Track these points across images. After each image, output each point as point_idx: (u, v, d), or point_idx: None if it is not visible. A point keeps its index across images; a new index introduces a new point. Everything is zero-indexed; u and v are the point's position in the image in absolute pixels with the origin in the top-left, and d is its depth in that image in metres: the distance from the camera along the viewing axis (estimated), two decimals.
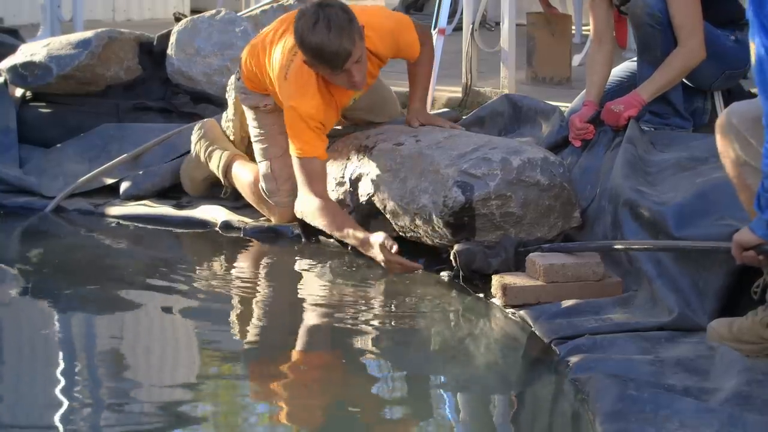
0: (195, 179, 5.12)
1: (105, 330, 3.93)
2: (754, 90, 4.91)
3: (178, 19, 7.15)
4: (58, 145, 5.58)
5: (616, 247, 3.90)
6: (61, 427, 3.05)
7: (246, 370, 3.57)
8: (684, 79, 4.62)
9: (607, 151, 4.48)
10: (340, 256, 4.47)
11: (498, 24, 6.48)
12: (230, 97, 4.99)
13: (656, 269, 3.71)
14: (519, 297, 3.84)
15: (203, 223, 4.96)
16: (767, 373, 3.12)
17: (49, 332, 3.86)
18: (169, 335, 3.92)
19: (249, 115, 4.78)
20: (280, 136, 4.51)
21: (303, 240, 4.63)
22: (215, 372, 3.55)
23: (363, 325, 3.83)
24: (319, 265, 4.44)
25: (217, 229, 4.89)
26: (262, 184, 4.72)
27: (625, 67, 4.89)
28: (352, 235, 4.24)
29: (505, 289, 3.85)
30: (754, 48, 3.09)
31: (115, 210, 5.14)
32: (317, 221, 4.39)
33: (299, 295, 4.21)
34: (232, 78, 4.94)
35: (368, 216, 4.43)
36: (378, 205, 4.37)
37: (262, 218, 4.84)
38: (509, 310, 3.84)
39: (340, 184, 4.54)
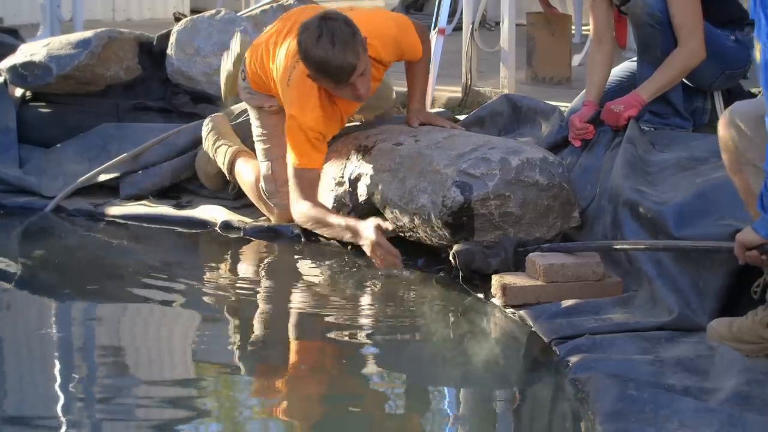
0: (208, 173, 5.13)
1: (105, 329, 3.93)
2: (754, 90, 4.92)
3: (178, 19, 7.15)
4: (58, 145, 5.58)
5: (615, 246, 3.90)
6: (61, 427, 3.05)
7: (245, 369, 3.56)
8: (684, 79, 4.62)
9: (606, 151, 4.48)
10: (340, 256, 4.47)
11: (498, 24, 6.48)
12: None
13: (656, 269, 3.71)
14: (519, 297, 3.84)
15: (203, 223, 4.96)
16: (767, 373, 3.12)
17: (49, 332, 3.86)
18: (168, 335, 3.92)
19: (252, 114, 4.78)
20: (282, 137, 4.51)
21: (303, 240, 4.63)
22: (215, 371, 3.55)
23: (363, 325, 3.83)
24: (319, 265, 4.44)
25: (217, 228, 4.89)
26: (262, 184, 4.72)
27: (625, 67, 4.89)
28: (344, 224, 4.22)
29: (504, 289, 3.85)
30: (759, 47, 3.09)
31: (114, 210, 5.14)
32: (307, 224, 4.40)
33: (299, 295, 4.21)
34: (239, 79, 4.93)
35: (367, 216, 4.42)
36: (377, 204, 4.37)
37: (262, 218, 4.84)
38: (509, 310, 3.84)
39: (340, 183, 4.54)
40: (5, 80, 5.73)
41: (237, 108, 5.25)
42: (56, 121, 5.68)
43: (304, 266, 4.46)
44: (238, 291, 4.25)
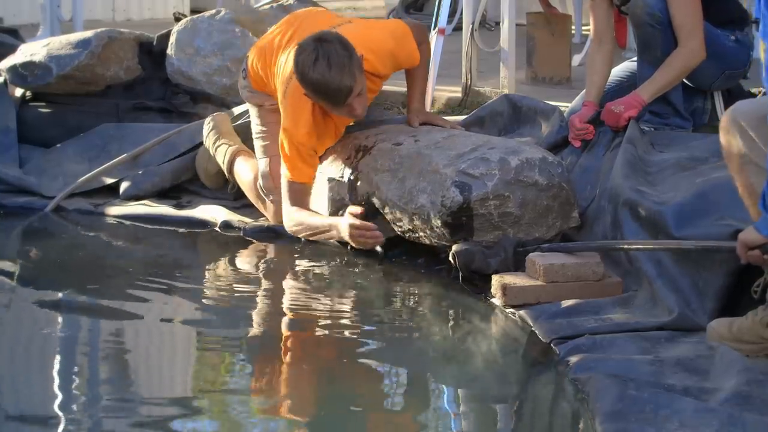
0: (208, 172, 5.14)
1: (105, 329, 3.93)
2: (754, 90, 4.92)
3: (178, 19, 7.14)
4: (58, 145, 5.58)
5: (616, 246, 3.90)
6: (61, 426, 3.05)
7: (245, 369, 3.57)
8: (684, 79, 4.62)
9: (606, 151, 4.48)
10: (339, 256, 4.47)
11: (498, 24, 6.48)
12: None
13: (656, 269, 3.71)
14: (519, 297, 3.84)
15: (203, 223, 4.96)
16: (767, 373, 3.12)
17: (49, 332, 3.86)
18: (168, 335, 3.91)
19: (252, 111, 4.81)
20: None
21: (303, 240, 4.63)
22: (215, 371, 3.55)
23: (363, 325, 3.83)
24: (319, 265, 4.44)
25: (217, 228, 4.89)
26: (260, 181, 4.73)
27: (625, 67, 4.89)
28: (325, 224, 4.31)
29: (504, 289, 3.85)
30: (763, 47, 3.09)
31: (115, 210, 5.14)
32: (294, 228, 4.49)
33: (299, 295, 4.21)
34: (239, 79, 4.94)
35: (367, 216, 4.43)
36: (377, 204, 4.37)
37: (261, 218, 4.84)
38: (509, 310, 3.84)
39: (339, 183, 4.54)
40: (5, 80, 5.73)
41: (238, 109, 5.25)
42: (56, 121, 5.68)
43: (304, 266, 4.46)
44: (237, 291, 4.25)
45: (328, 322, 3.88)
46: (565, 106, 4.95)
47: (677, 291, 3.63)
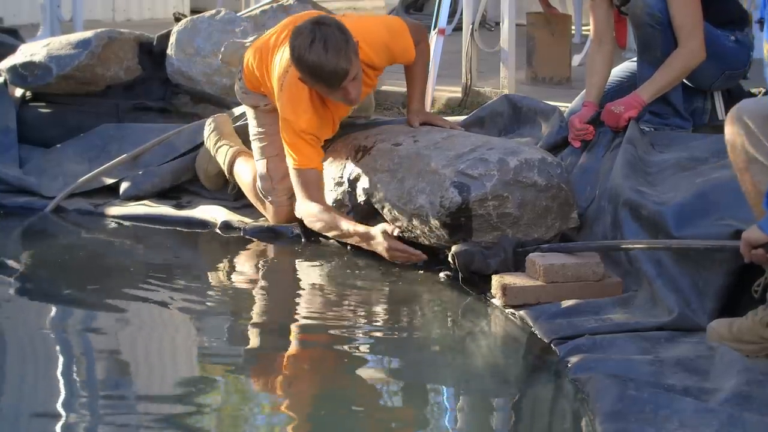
0: (209, 173, 5.14)
1: (105, 329, 3.93)
2: (754, 90, 4.92)
3: (177, 19, 7.15)
4: (58, 145, 5.58)
5: (618, 246, 3.90)
6: (61, 427, 3.05)
7: (245, 369, 3.56)
8: (684, 80, 4.62)
9: (606, 151, 4.48)
10: (340, 256, 4.47)
11: (498, 24, 6.49)
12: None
13: (656, 269, 3.71)
14: (519, 297, 3.84)
15: (203, 223, 4.96)
16: (767, 373, 3.12)
17: (49, 332, 3.86)
18: (168, 335, 3.91)
19: (249, 113, 4.81)
20: (277, 135, 4.53)
21: (303, 240, 4.64)
22: (215, 371, 3.55)
23: (363, 326, 3.83)
24: (319, 265, 4.44)
25: (216, 229, 4.89)
26: (258, 183, 4.73)
27: (625, 67, 4.89)
28: (353, 231, 4.28)
29: (504, 289, 3.85)
30: (767, 47, 3.09)
31: (114, 210, 5.14)
32: (315, 225, 4.44)
33: (298, 295, 4.21)
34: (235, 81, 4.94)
35: (367, 216, 4.43)
36: (376, 205, 4.37)
37: (261, 218, 4.84)
38: (509, 311, 3.84)
39: (339, 184, 4.54)
40: (5, 80, 5.73)
41: (238, 110, 5.25)
42: (56, 121, 5.68)
43: (304, 266, 4.46)
44: (237, 291, 4.25)
45: (328, 322, 3.87)
46: (565, 107, 4.95)
47: (677, 291, 3.63)
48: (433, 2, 6.65)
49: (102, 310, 4.04)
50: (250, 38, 5.27)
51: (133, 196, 5.20)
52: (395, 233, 4.16)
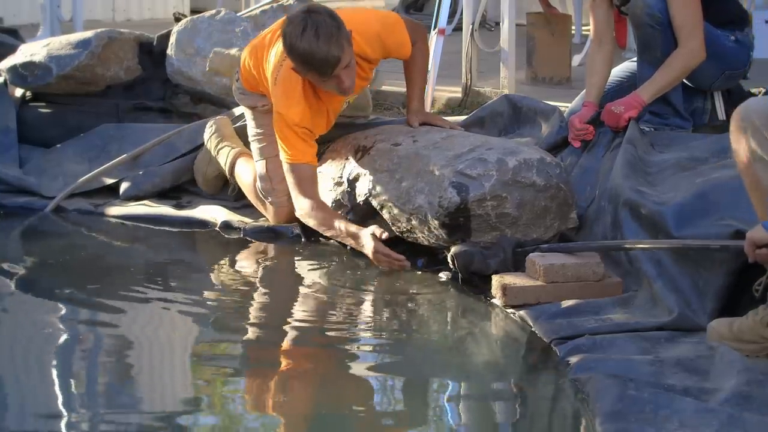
0: (207, 176, 5.14)
1: (105, 329, 3.93)
2: (754, 90, 4.92)
3: (178, 19, 7.15)
4: (58, 145, 5.58)
5: (619, 246, 3.91)
6: (60, 426, 3.05)
7: (245, 369, 3.56)
8: (684, 80, 4.63)
9: (606, 151, 4.48)
10: (339, 256, 4.47)
11: (498, 24, 6.49)
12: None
13: (656, 269, 3.71)
14: (519, 297, 3.84)
15: (203, 223, 4.96)
16: (767, 373, 3.12)
17: (49, 332, 3.85)
18: (168, 335, 3.91)
19: (247, 114, 4.81)
20: (275, 135, 4.53)
21: (303, 240, 4.64)
22: (214, 371, 3.55)
23: (363, 326, 3.83)
24: (319, 265, 4.44)
25: (217, 229, 4.89)
26: (258, 183, 4.73)
27: (625, 67, 4.90)
28: (345, 230, 4.29)
29: (505, 289, 3.85)
30: None
31: (115, 210, 5.14)
32: (309, 222, 4.43)
33: (298, 296, 4.21)
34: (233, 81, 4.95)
35: (366, 216, 4.43)
36: (375, 205, 4.37)
37: (261, 218, 4.84)
38: (509, 311, 3.84)
39: (338, 184, 4.54)
40: (5, 80, 5.73)
41: (238, 110, 5.25)
42: (56, 121, 5.68)
43: (304, 266, 4.46)
44: (237, 291, 4.25)
45: (328, 322, 3.87)
46: (565, 107, 4.95)
47: (677, 291, 3.63)
48: (433, 2, 6.66)
49: (102, 310, 4.04)
50: (234, 50, 5.27)
51: (133, 196, 5.20)
52: (383, 237, 4.15)
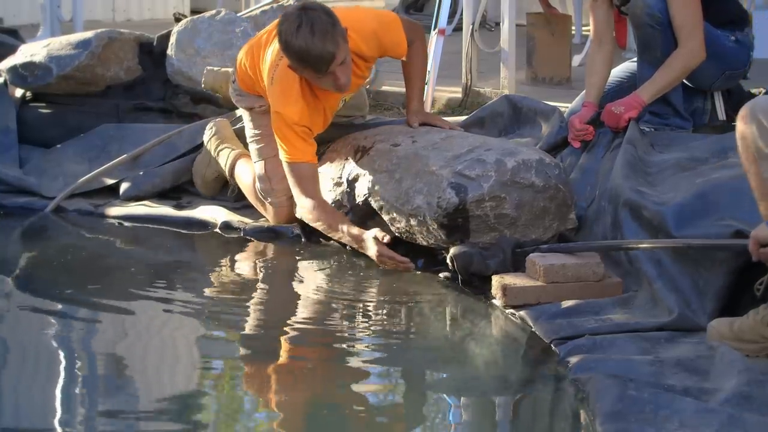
0: (206, 178, 5.13)
1: (105, 329, 3.93)
2: (754, 90, 4.92)
3: (178, 20, 7.15)
4: (58, 146, 5.58)
5: (621, 246, 3.91)
6: (60, 426, 3.05)
7: (245, 369, 3.57)
8: (684, 80, 4.63)
9: (606, 152, 4.48)
10: (339, 256, 4.47)
11: (498, 24, 6.49)
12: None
13: (656, 269, 3.71)
14: (519, 297, 3.84)
15: (203, 224, 4.96)
16: (767, 373, 3.12)
17: (50, 332, 3.86)
18: (168, 335, 3.91)
19: (245, 116, 4.81)
20: (274, 136, 4.53)
21: (303, 240, 4.64)
22: (214, 371, 3.55)
23: (363, 326, 3.83)
24: (319, 265, 4.44)
25: (217, 229, 4.89)
26: (257, 184, 4.73)
27: (625, 67, 4.90)
28: (347, 232, 4.28)
29: (505, 289, 3.85)
30: None
31: (115, 210, 5.14)
32: (311, 222, 4.43)
33: (298, 296, 4.21)
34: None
35: (365, 216, 4.43)
36: (374, 205, 4.37)
37: (261, 218, 4.84)
38: (509, 311, 3.84)
39: (338, 184, 4.54)
40: (5, 81, 5.73)
41: (239, 112, 5.25)
42: (56, 121, 5.68)
43: (304, 267, 4.46)
44: (237, 291, 4.25)
45: (328, 322, 3.87)
46: (565, 107, 4.95)
47: (677, 291, 3.63)
48: (433, 2, 6.65)
49: (102, 311, 4.04)
50: (229, 68, 5.28)
51: (133, 197, 5.20)
52: (385, 240, 4.15)
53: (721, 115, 4.78)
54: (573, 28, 7.09)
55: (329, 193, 4.55)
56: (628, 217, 3.96)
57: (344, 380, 3.45)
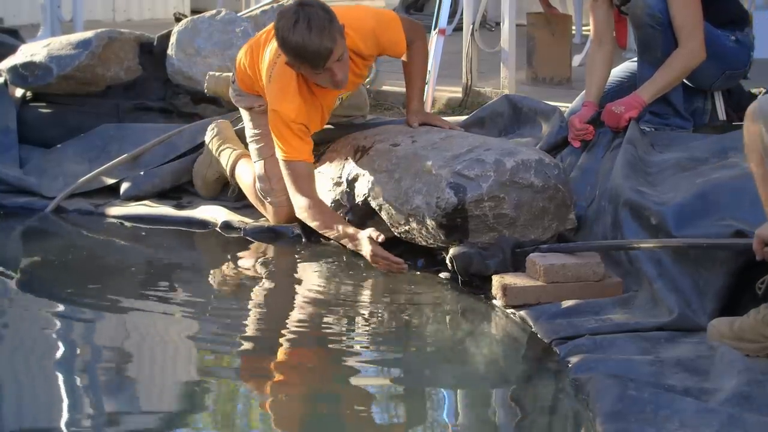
0: (207, 179, 5.13)
1: (105, 329, 3.93)
2: (754, 90, 4.92)
3: (178, 20, 7.16)
4: (58, 146, 5.58)
5: (622, 246, 3.91)
6: (60, 425, 3.05)
7: (244, 369, 3.56)
8: (684, 80, 4.63)
9: (606, 151, 4.48)
10: (339, 257, 4.47)
11: (498, 24, 6.49)
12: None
13: (656, 269, 3.71)
14: (519, 297, 3.84)
15: (203, 224, 4.96)
16: (767, 373, 3.12)
17: (50, 332, 3.86)
18: (168, 335, 3.91)
19: (244, 116, 4.81)
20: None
21: (303, 240, 4.64)
22: (214, 371, 3.55)
23: (363, 326, 3.83)
24: (319, 265, 4.44)
25: (217, 229, 4.89)
26: (257, 184, 4.73)
27: (625, 67, 4.90)
28: (342, 231, 4.28)
29: (505, 289, 3.85)
30: None
31: (115, 210, 5.14)
32: (306, 220, 4.43)
33: (298, 296, 4.21)
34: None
35: (365, 216, 4.43)
36: (374, 205, 4.37)
37: (262, 218, 4.84)
38: (509, 311, 3.84)
39: (338, 184, 4.54)
40: (6, 80, 5.73)
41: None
42: (56, 121, 5.68)
43: (304, 267, 4.46)
44: (238, 291, 4.25)
45: (328, 322, 3.87)
46: (565, 107, 4.95)
47: (677, 291, 3.63)
48: (433, 2, 6.66)
49: (102, 310, 4.04)
50: (230, 73, 5.29)
51: (133, 197, 5.20)
52: (380, 239, 4.15)
53: (722, 115, 4.78)
54: (573, 28, 7.09)
55: (329, 192, 4.56)
56: (628, 217, 3.96)
57: (344, 380, 3.45)
